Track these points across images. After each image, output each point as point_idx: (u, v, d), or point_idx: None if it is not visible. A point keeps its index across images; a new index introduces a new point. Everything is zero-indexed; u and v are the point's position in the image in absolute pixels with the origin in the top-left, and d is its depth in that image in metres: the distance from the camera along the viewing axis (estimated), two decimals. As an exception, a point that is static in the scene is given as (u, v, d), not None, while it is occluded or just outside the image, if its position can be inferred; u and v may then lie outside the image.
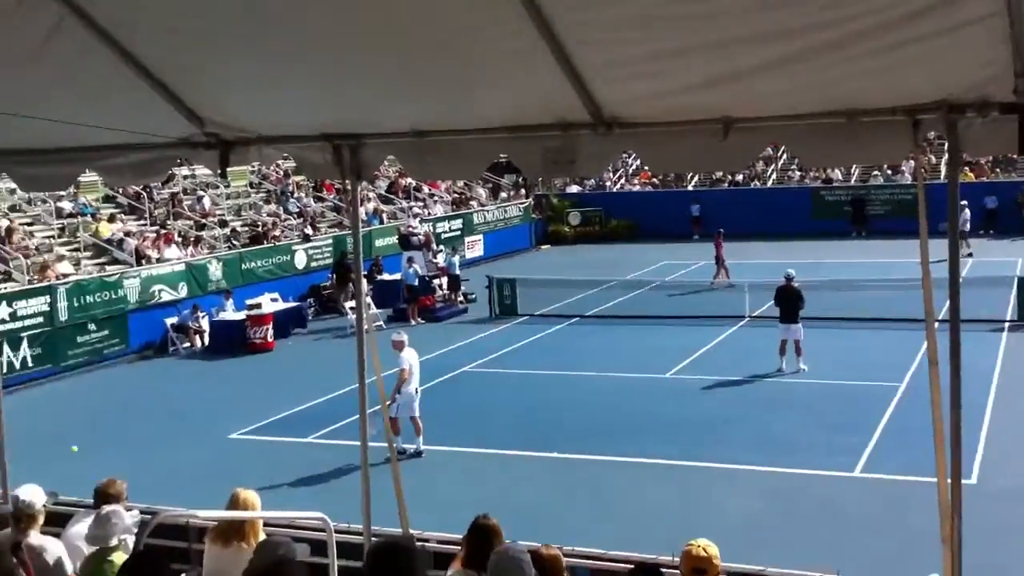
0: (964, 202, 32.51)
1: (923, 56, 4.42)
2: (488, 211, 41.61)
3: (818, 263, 30.45)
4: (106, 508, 6.21)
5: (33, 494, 6.43)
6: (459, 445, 15.85)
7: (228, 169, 6.54)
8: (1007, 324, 22.51)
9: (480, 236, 40.56)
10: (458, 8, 4.60)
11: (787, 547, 11.40)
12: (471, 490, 13.71)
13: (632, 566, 6.07)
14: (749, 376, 19.35)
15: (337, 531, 7.33)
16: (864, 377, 18.64)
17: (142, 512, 6.67)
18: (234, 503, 6.47)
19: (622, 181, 48.90)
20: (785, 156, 44.66)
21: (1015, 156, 34.22)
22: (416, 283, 27.99)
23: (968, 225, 33.45)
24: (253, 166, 33.37)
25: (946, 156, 5.04)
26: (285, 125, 6.31)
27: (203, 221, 30.96)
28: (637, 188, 48.06)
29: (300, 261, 30.75)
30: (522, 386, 19.82)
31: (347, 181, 6.50)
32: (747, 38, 4.47)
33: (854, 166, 40.77)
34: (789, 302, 19.59)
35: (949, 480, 5.09)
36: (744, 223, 34.48)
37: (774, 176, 46.23)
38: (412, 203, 38.71)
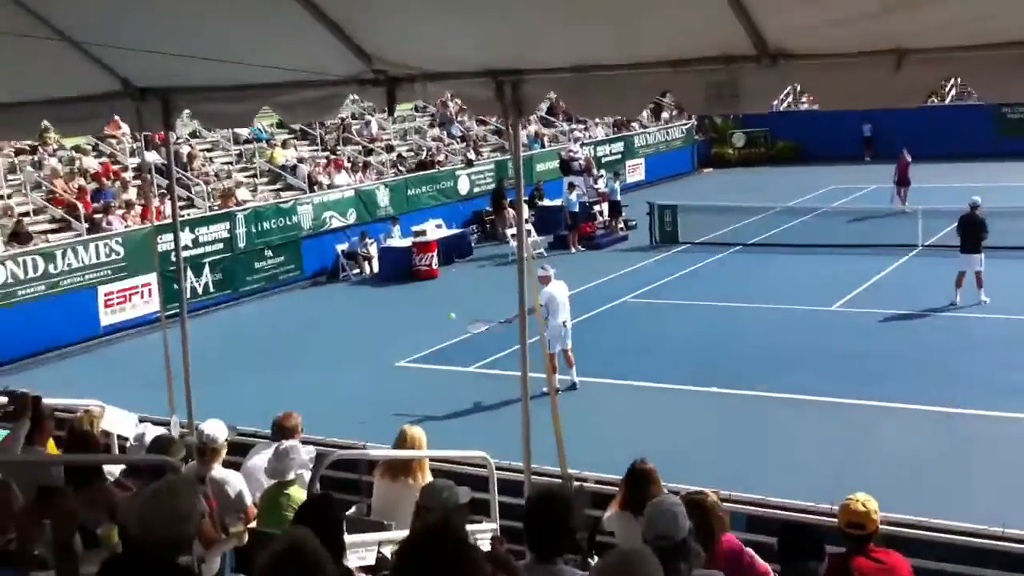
0: None
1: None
2: (650, 133, 41.02)
3: (1001, 187, 28.85)
4: (285, 443, 6.58)
5: (217, 429, 6.85)
6: (618, 378, 15.89)
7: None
8: None
9: (641, 159, 40.13)
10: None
11: (957, 494, 11.07)
12: (629, 425, 13.73)
13: (788, 517, 6.04)
14: (921, 310, 18.65)
15: (498, 468, 7.55)
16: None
17: (317, 446, 7.02)
18: (402, 440, 6.76)
19: (789, 99, 47.28)
20: (967, 74, 42.10)
21: None
22: (576, 209, 27.99)
23: None
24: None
25: None
26: (448, 61, 6.41)
27: (371, 146, 31.71)
28: (805, 107, 46.39)
29: (463, 186, 31.17)
30: (682, 318, 19.68)
31: (509, 117, 6.53)
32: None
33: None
34: (972, 231, 18.68)
35: None
36: (920, 144, 32.75)
37: (953, 92, 43.80)
38: (573, 126, 38.50)
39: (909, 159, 28.97)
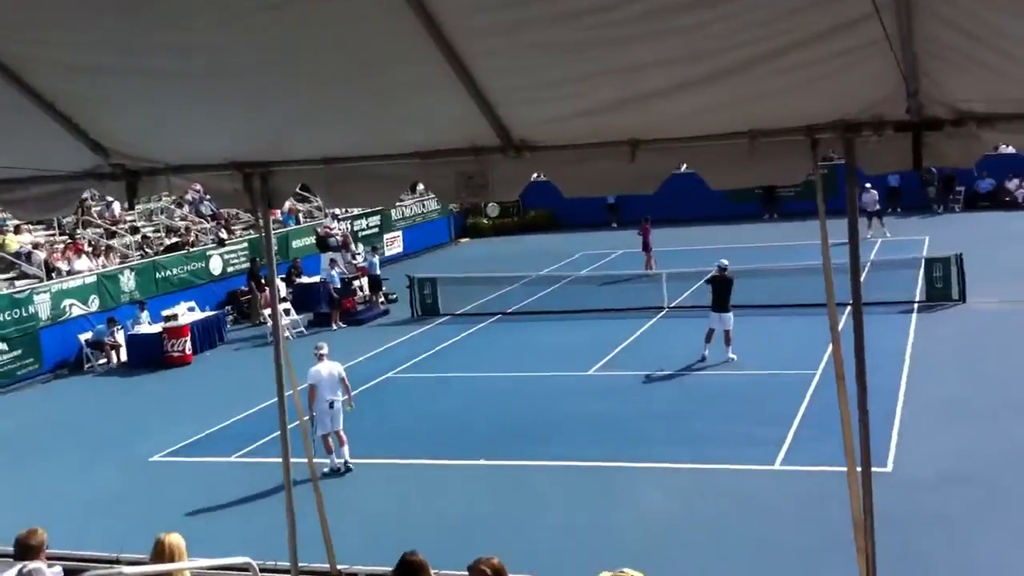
0: (868, 184, 33.38)
1: (818, 79, 4.56)
2: (407, 206, 41.41)
3: (734, 248, 30.96)
4: (29, 566, 6.10)
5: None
6: (386, 456, 15.77)
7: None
8: (916, 305, 23.16)
9: (399, 232, 40.40)
10: (366, 37, 4.60)
11: (710, 547, 11.64)
12: (401, 506, 13.65)
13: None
14: (670, 369, 19.62)
15: (264, 569, 7.28)
16: (781, 366, 19.01)
17: (67, 563, 6.54)
18: (159, 551, 6.38)
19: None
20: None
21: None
22: (339, 285, 27.74)
23: (878, 205, 34.21)
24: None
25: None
26: (193, 154, 6.24)
27: (113, 229, 30.29)
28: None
29: (216, 266, 30.26)
30: (447, 390, 19.80)
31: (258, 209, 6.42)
32: (651, 62, 4.55)
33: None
34: (722, 291, 19.89)
35: (861, 488, 5.24)
36: (660, 210, 34.82)
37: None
38: (328, 203, 38.24)
39: (650, 225, 30.63)
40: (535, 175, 5.78)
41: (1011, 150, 5.14)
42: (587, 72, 4.73)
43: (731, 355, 19.69)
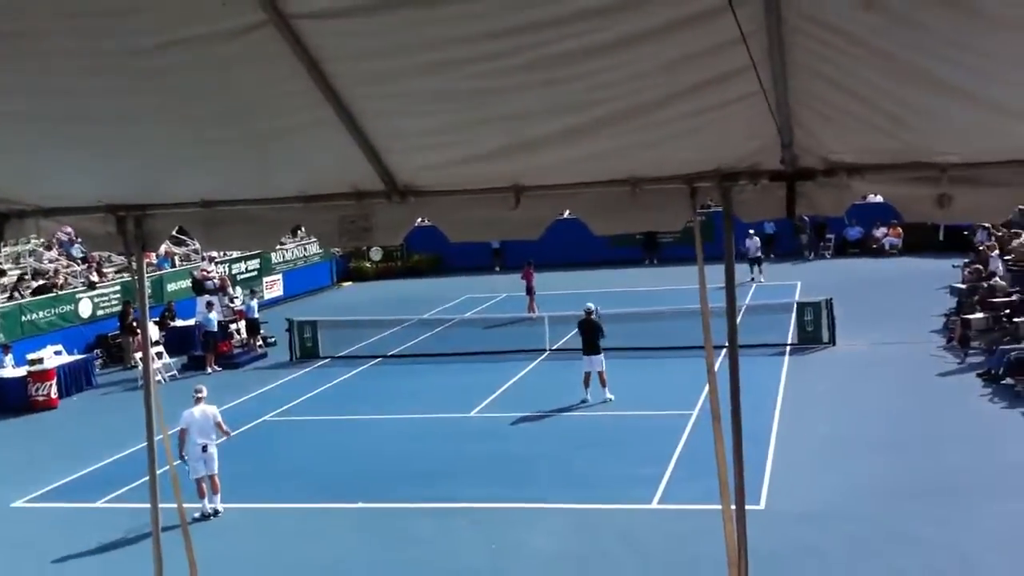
0: (752, 231, 34.44)
1: (695, 130, 4.68)
2: (287, 249, 40.80)
3: (615, 291, 31.50)
4: None
5: None
6: (261, 501, 15.43)
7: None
8: (788, 347, 23.87)
9: (279, 275, 39.75)
10: (249, 80, 4.51)
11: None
12: (274, 552, 13.38)
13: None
14: (551, 410, 19.74)
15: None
16: (659, 407, 19.33)
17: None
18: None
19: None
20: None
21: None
22: (215, 329, 27.09)
23: (759, 252, 35.29)
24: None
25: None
26: (64, 196, 6.00)
27: (-23, 271, 29.03)
28: (437, 222, 48.31)
29: (85, 310, 29.23)
30: (325, 434, 19.49)
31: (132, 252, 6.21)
32: (534, 111, 4.60)
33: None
34: (590, 334, 20.14)
35: (735, 525, 5.33)
36: (543, 254, 35.20)
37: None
38: (206, 244, 37.41)
39: (533, 269, 30.92)
40: (420, 219, 5.75)
41: (879, 199, 5.34)
42: (472, 120, 4.75)
43: (608, 395, 19.93)
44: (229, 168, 5.44)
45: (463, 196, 5.42)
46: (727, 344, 5.59)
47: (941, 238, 36.65)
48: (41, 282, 29.34)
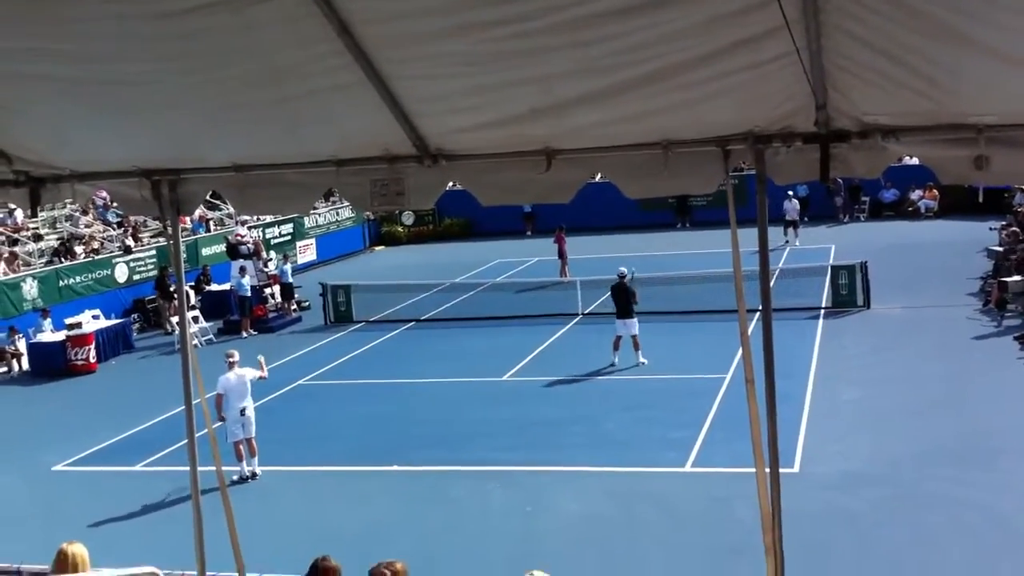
0: (791, 192, 34.19)
1: (728, 91, 4.63)
2: (320, 214, 40.97)
3: (647, 256, 31.39)
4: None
5: None
6: (297, 464, 15.60)
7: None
8: (822, 311, 23.71)
9: (312, 240, 39.95)
10: (279, 43, 4.53)
11: (624, 549, 11.75)
12: (311, 513, 13.52)
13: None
14: (584, 374, 19.76)
15: (171, 580, 7.12)
16: (692, 370, 19.31)
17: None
18: (61, 561, 6.19)
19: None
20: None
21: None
22: (248, 294, 27.31)
23: (797, 214, 35.02)
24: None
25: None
26: (99, 161, 6.06)
27: (15, 236, 29.38)
28: (470, 186, 48.25)
29: (121, 274, 29.55)
30: (359, 398, 19.65)
31: (167, 216, 6.27)
32: (564, 73, 4.59)
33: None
34: (623, 299, 20.11)
35: (769, 488, 5.33)
36: (575, 218, 35.16)
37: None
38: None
39: (564, 233, 30.87)
40: (451, 184, 5.75)
41: (914, 162, 5.24)
42: (501, 82, 4.74)
43: (642, 359, 19.90)
44: (260, 132, 5.47)
45: (494, 159, 5.41)
46: (760, 308, 5.56)
47: (980, 200, 36.12)
48: (78, 247, 29.64)
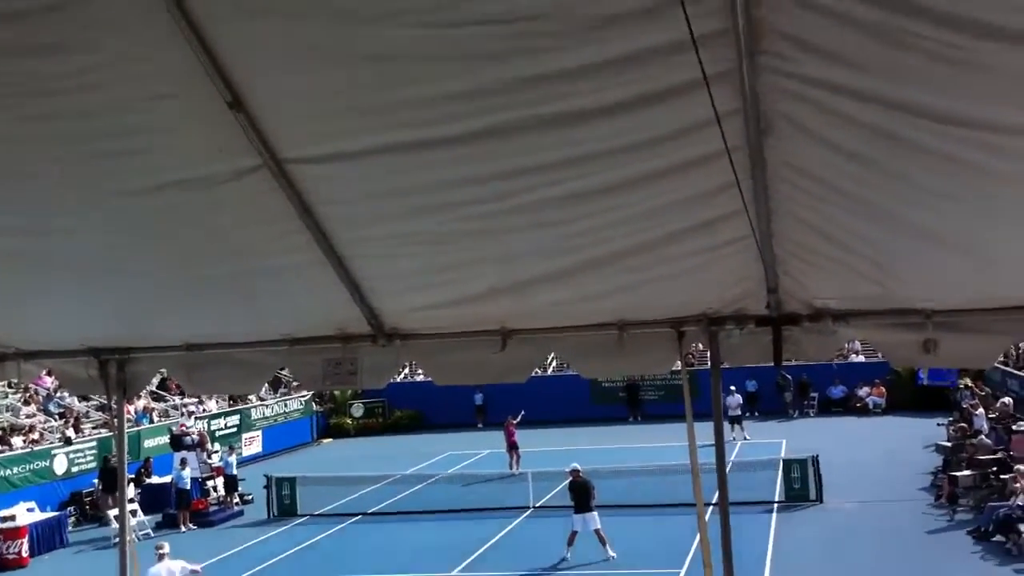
0: (732, 387, 34.39)
1: (683, 273, 4.72)
2: (267, 405, 40.38)
3: (597, 449, 31.15)
4: None
5: None
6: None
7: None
8: (775, 505, 23.47)
9: (259, 432, 39.18)
10: (236, 223, 4.55)
11: None
12: None
13: None
14: (537, 569, 19.19)
15: None
16: (646, 565, 18.83)
17: None
18: None
19: (406, 370, 48.87)
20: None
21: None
22: (188, 486, 26.52)
23: (740, 410, 35.08)
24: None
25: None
26: (47, 339, 5.97)
27: (-49, 425, 28.57)
28: (421, 378, 48.11)
29: (60, 466, 28.61)
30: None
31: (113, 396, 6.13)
32: (525, 252, 4.64)
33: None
34: (581, 493, 19.80)
35: None
36: (526, 411, 35.13)
37: (553, 364, 47.53)
38: (186, 400, 37.07)
39: (515, 425, 30.64)
40: (404, 365, 5.72)
41: (861, 359, 5.34)
42: (461, 261, 4.79)
43: (611, 553, 19.35)
44: (216, 308, 5.43)
45: (450, 339, 5.42)
46: (717, 500, 5.48)
47: (924, 382, 36.77)
48: (17, 440, 28.80)
